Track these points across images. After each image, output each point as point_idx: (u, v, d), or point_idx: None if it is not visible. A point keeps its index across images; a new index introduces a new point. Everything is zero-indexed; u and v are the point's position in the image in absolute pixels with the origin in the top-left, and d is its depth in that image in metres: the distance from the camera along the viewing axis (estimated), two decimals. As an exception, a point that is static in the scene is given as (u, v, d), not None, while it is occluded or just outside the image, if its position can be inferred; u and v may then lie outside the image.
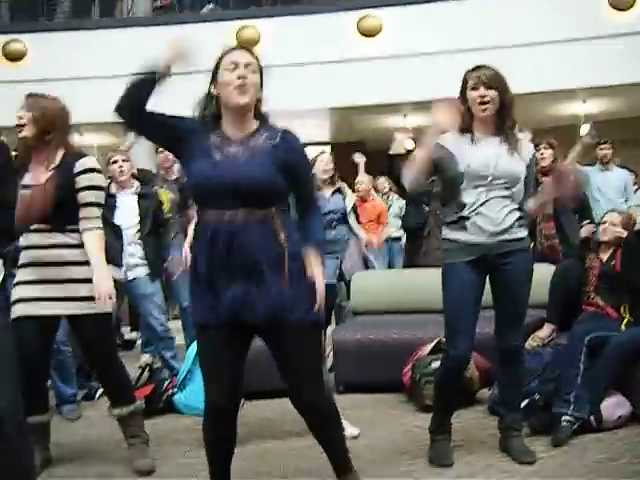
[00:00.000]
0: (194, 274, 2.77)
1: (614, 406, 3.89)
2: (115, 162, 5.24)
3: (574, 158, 6.24)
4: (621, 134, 8.46)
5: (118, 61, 9.45)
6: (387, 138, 10.69)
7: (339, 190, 5.72)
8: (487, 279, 3.47)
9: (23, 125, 3.48)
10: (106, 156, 5.42)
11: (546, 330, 4.56)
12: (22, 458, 2.57)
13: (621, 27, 8.95)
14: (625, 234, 4.42)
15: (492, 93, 3.34)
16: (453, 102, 3.36)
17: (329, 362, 4.93)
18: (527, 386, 3.85)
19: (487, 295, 3.47)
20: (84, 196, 3.45)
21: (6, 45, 10.03)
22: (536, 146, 4.47)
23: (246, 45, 2.91)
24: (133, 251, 5.17)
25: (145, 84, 2.73)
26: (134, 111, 2.74)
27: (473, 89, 3.37)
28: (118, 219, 4.95)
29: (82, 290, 3.43)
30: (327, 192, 5.42)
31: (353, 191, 6.66)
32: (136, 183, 5.32)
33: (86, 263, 3.43)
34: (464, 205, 3.38)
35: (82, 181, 3.45)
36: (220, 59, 2.78)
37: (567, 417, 3.73)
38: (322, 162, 5.61)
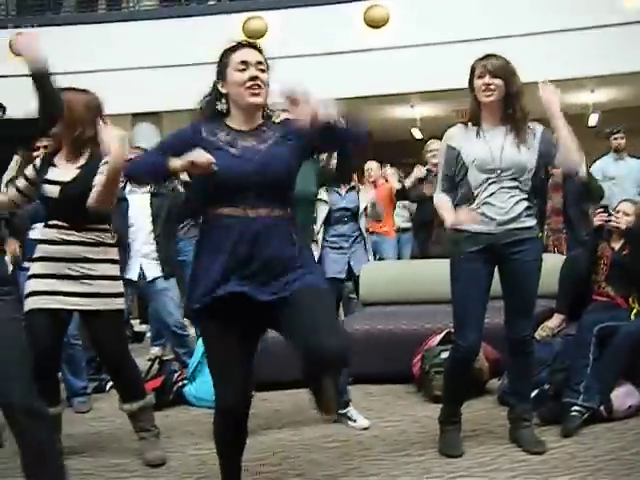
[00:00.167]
0: (201, 272, 2.69)
1: (624, 396, 3.89)
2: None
3: None
4: (629, 123, 8.42)
5: (124, 54, 9.51)
6: (394, 128, 10.67)
7: (354, 187, 5.75)
8: (497, 269, 3.47)
9: None
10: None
11: (555, 320, 4.55)
12: (34, 443, 2.60)
13: (629, 15, 8.89)
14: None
15: (497, 81, 3.34)
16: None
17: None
18: (537, 376, 3.84)
19: (496, 285, 3.47)
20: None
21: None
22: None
23: (252, 40, 2.82)
24: (147, 251, 5.13)
25: (157, 180, 2.92)
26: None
27: (479, 77, 3.37)
28: (131, 219, 4.97)
29: (95, 286, 3.43)
30: (342, 189, 5.43)
31: (362, 176, 6.64)
32: None
33: (101, 261, 3.45)
34: (473, 198, 3.38)
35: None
36: (227, 56, 2.73)
37: (577, 407, 3.73)
38: None
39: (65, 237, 3.42)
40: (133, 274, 5.03)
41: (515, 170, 3.35)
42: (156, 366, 5.02)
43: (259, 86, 2.69)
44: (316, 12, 9.50)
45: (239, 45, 2.76)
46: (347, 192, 5.67)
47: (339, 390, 3.30)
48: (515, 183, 3.37)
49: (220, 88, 2.75)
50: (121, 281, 3.60)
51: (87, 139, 3.43)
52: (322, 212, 4.77)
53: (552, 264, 4.32)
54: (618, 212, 4.45)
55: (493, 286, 3.45)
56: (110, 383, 4.97)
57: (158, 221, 5.14)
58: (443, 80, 8.97)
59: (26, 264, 3.57)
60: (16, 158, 4.07)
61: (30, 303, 3.41)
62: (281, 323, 2.66)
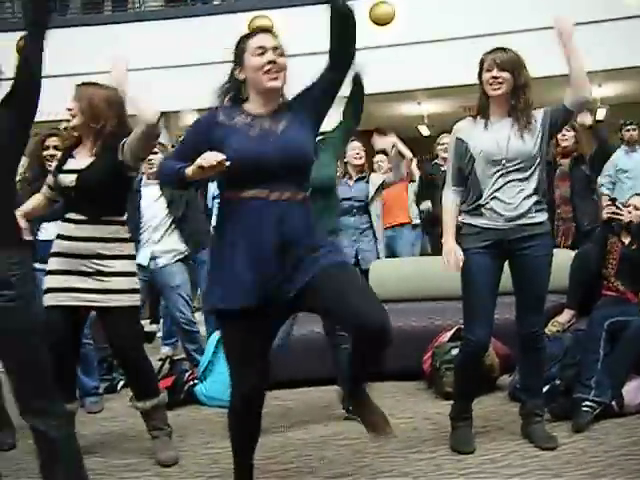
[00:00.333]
0: (225, 264, 2.66)
1: (635, 390, 3.88)
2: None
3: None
4: (637, 117, 8.37)
5: (130, 55, 9.51)
6: (402, 126, 10.64)
7: (364, 177, 5.76)
8: (507, 265, 3.46)
9: (74, 115, 3.48)
10: None
11: (566, 315, 4.54)
12: (47, 442, 2.63)
13: (637, 9, 8.85)
14: None
15: (505, 74, 3.35)
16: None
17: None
18: (548, 372, 3.84)
19: (506, 281, 3.46)
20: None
21: (20, 41, 10.07)
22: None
23: (267, 27, 2.85)
24: (157, 238, 5.14)
25: (182, 188, 2.88)
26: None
27: (487, 70, 3.39)
28: (143, 210, 5.00)
29: (109, 283, 3.45)
30: (351, 179, 5.43)
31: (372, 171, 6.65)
32: None
33: (115, 257, 3.46)
34: (481, 192, 3.38)
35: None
36: (244, 42, 2.75)
37: (588, 402, 3.72)
38: (353, 150, 5.68)
39: (79, 233, 3.44)
40: (143, 259, 5.04)
41: (521, 160, 3.35)
42: (167, 366, 5.04)
43: (277, 70, 2.70)
44: (322, 10, 9.48)
45: (255, 31, 2.79)
46: (356, 182, 5.68)
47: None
48: (523, 175, 3.36)
49: (238, 74, 2.76)
50: (137, 277, 3.60)
51: (108, 134, 3.45)
52: None
53: (562, 259, 4.31)
54: (629, 205, 4.43)
55: (503, 281, 3.45)
56: (121, 383, 4.99)
57: (173, 205, 5.16)
58: (449, 77, 8.96)
59: (37, 265, 3.57)
60: (23, 160, 4.09)
61: (47, 299, 3.45)
62: (316, 302, 2.61)
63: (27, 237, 3.17)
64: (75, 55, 9.00)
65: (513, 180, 3.36)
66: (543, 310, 3.55)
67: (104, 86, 3.52)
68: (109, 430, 4.23)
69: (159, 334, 6.78)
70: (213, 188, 6.42)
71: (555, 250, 3.55)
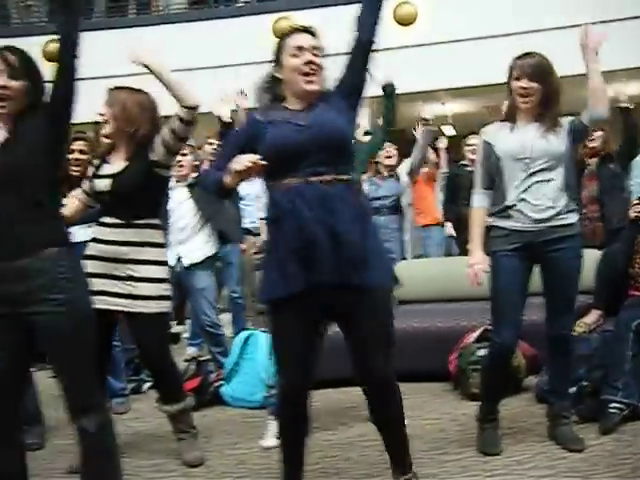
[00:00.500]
0: (273, 256, 2.67)
1: (664, 392, 3.83)
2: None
3: None
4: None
5: (156, 57, 9.56)
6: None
7: (393, 175, 5.78)
8: (536, 267, 3.44)
9: (107, 121, 3.50)
10: None
11: (593, 316, 4.50)
12: (83, 442, 2.70)
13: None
14: None
15: (534, 85, 3.33)
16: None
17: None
18: (575, 373, 3.81)
19: (533, 282, 3.44)
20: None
21: (45, 46, 10.18)
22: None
23: (307, 26, 2.81)
24: (184, 239, 5.17)
25: (225, 196, 2.87)
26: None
27: (516, 79, 3.36)
28: (170, 212, 5.03)
29: (138, 288, 3.45)
30: (380, 178, 5.44)
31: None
32: (193, 175, 5.23)
33: (146, 262, 3.47)
34: (509, 194, 3.37)
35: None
36: (282, 41, 2.75)
37: (616, 404, 3.69)
38: (384, 149, 5.73)
39: (114, 237, 3.45)
40: (170, 260, 5.05)
41: (546, 159, 3.33)
42: (193, 367, 5.05)
43: (314, 71, 2.69)
44: (345, 11, 9.46)
45: (294, 30, 2.77)
46: (385, 180, 5.69)
47: None
48: (549, 175, 3.34)
49: (276, 74, 2.76)
50: (167, 284, 3.58)
51: (141, 138, 3.46)
52: None
53: (589, 259, 4.27)
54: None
55: (531, 283, 3.42)
56: (147, 384, 5.02)
57: (200, 205, 5.16)
58: (473, 76, 8.92)
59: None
60: None
61: None
62: (342, 323, 2.75)
63: None
64: (99, 58, 9.06)
65: (540, 181, 3.34)
66: (573, 312, 3.53)
67: (136, 90, 3.54)
68: (135, 431, 4.25)
69: (185, 335, 6.80)
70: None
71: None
